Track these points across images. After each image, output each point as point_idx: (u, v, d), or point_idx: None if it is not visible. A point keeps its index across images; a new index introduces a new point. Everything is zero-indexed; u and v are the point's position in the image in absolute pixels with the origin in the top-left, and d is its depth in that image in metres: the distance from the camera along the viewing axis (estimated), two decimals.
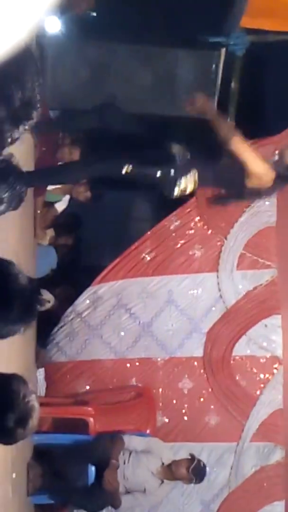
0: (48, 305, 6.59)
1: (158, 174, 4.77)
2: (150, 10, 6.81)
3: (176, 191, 4.75)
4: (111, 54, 7.25)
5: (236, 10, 6.60)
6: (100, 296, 6.58)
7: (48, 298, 6.21)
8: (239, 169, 4.58)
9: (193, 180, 4.73)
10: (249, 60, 7.02)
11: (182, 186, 4.72)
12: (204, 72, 7.03)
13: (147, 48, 7.20)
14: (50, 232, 6.86)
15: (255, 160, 4.60)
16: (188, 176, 4.72)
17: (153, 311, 6.54)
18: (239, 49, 6.89)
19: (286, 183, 4.79)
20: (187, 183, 4.73)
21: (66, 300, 6.86)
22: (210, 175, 4.82)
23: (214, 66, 6.99)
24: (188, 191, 4.81)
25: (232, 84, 7.15)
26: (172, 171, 4.73)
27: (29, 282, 2.08)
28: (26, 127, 1.89)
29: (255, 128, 7.18)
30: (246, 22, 6.62)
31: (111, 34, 7.09)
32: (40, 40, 6.85)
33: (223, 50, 7.00)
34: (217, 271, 6.54)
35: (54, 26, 6.89)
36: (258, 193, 4.77)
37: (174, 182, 4.72)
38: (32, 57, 1.80)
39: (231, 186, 4.81)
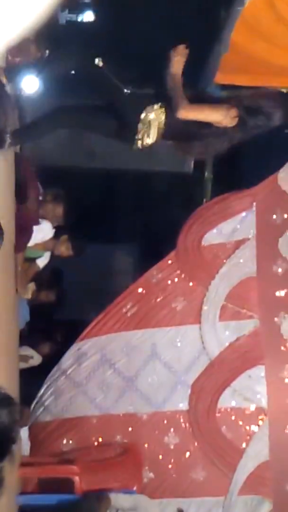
0: (31, 362, 6.58)
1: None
2: (128, 66, 6.90)
3: (139, 144, 5.00)
4: None
5: (210, 66, 6.73)
6: (84, 353, 6.57)
7: (30, 354, 6.19)
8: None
9: (156, 130, 4.95)
10: None
11: (146, 138, 4.96)
12: None
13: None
14: (32, 286, 6.87)
15: (209, 113, 4.84)
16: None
17: (137, 365, 6.53)
18: None
19: (258, 120, 5.01)
20: (149, 135, 4.96)
21: (50, 356, 6.85)
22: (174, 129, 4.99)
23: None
24: (150, 143, 5.00)
25: None
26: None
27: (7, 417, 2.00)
28: None
29: (232, 180, 7.32)
30: (220, 78, 6.72)
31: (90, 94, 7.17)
32: (18, 99, 6.94)
33: None
34: (200, 322, 6.56)
35: (33, 84, 6.97)
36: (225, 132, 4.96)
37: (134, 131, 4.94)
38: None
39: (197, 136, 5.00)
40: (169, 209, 7.65)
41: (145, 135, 4.97)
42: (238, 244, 6.57)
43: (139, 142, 5.01)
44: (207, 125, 4.84)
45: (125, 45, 7.47)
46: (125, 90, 5.05)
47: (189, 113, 4.80)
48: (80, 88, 5.69)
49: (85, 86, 5.63)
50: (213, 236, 6.61)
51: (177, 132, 5.02)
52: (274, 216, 6.55)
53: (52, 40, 7.70)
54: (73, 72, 5.93)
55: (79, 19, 9.06)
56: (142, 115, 4.91)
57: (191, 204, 7.10)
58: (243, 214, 6.60)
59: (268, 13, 6.00)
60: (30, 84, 6.13)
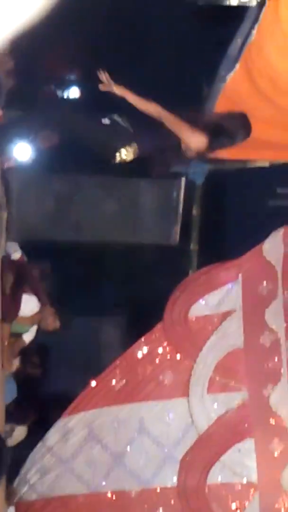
0: (16, 436, 6.50)
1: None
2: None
3: (118, 158, 5.33)
4: (75, 185, 7.41)
5: None
6: (71, 428, 6.49)
7: (18, 433, 6.13)
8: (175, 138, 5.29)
9: (132, 150, 5.31)
10: (209, 188, 7.22)
11: (123, 154, 5.32)
12: (166, 200, 7.20)
13: (110, 179, 7.37)
14: (16, 361, 6.83)
15: (183, 129, 5.31)
16: (129, 147, 5.31)
17: (125, 441, 6.44)
18: (199, 178, 7.08)
19: (223, 140, 5.48)
20: (127, 153, 5.33)
21: (34, 431, 6.78)
22: (149, 145, 5.43)
23: (175, 194, 7.17)
24: (128, 159, 5.34)
25: (194, 211, 7.33)
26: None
27: None
28: None
29: (218, 252, 7.35)
30: None
31: (75, 166, 7.26)
32: (4, 174, 7.00)
33: (183, 179, 7.18)
34: (188, 395, 6.50)
35: (20, 158, 7.05)
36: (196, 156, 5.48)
37: (114, 149, 5.33)
38: None
39: (169, 154, 5.51)
40: (155, 281, 7.66)
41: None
42: (225, 315, 6.56)
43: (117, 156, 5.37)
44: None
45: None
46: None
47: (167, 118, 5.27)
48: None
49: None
50: (200, 308, 6.61)
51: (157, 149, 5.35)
52: (260, 287, 6.56)
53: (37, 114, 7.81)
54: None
55: (65, 94, 9.19)
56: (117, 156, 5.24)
57: (177, 276, 7.12)
58: (229, 285, 6.61)
59: (249, 88, 6.11)
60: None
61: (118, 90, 5.35)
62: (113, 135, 5.46)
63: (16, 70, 6.85)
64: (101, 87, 5.39)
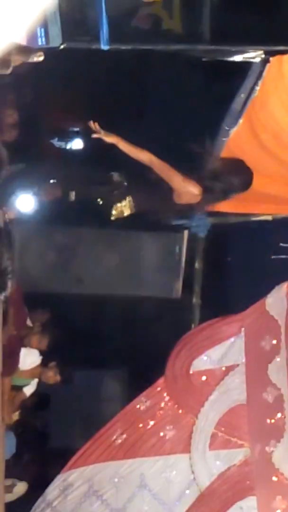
0: (16, 491, 6.40)
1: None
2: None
3: (114, 212, 5.39)
4: (77, 238, 7.42)
5: None
6: (71, 483, 6.38)
7: (18, 489, 6.05)
8: (168, 189, 5.34)
9: (129, 205, 5.37)
10: (212, 241, 7.22)
11: (119, 210, 5.40)
12: (168, 253, 7.20)
13: (111, 232, 7.38)
14: (17, 414, 6.77)
15: (174, 178, 5.38)
16: (124, 201, 5.38)
17: (125, 497, 6.33)
18: (202, 231, 7.08)
19: (217, 194, 5.48)
20: (124, 207, 5.39)
21: (35, 485, 6.69)
22: (145, 200, 5.50)
23: (177, 247, 7.17)
24: (124, 214, 5.40)
25: (196, 264, 7.32)
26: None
27: None
28: (1, 297, 1.89)
29: (220, 306, 7.33)
30: None
31: (78, 219, 7.28)
32: (7, 226, 7.01)
33: (186, 232, 7.19)
34: (190, 451, 6.42)
35: (22, 210, 7.08)
36: (191, 208, 5.52)
37: (111, 205, 5.39)
38: (2, 231, 1.82)
39: (164, 206, 5.50)
40: (157, 335, 7.62)
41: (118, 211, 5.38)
42: (227, 370, 6.50)
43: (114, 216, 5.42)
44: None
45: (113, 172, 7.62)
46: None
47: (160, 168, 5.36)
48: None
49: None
50: (202, 362, 6.55)
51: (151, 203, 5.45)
52: (263, 342, 6.51)
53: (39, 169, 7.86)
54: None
55: (68, 147, 9.26)
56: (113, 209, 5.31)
57: (179, 330, 7.08)
58: (232, 339, 6.57)
59: (252, 143, 6.15)
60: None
61: (109, 138, 5.40)
62: (109, 190, 5.51)
63: (20, 123, 6.91)
64: (93, 136, 5.45)
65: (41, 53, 1.54)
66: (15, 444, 6.78)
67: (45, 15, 1.46)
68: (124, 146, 5.39)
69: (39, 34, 1.50)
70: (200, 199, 5.44)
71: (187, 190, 5.36)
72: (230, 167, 5.59)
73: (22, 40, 1.49)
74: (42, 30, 1.49)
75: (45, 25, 1.47)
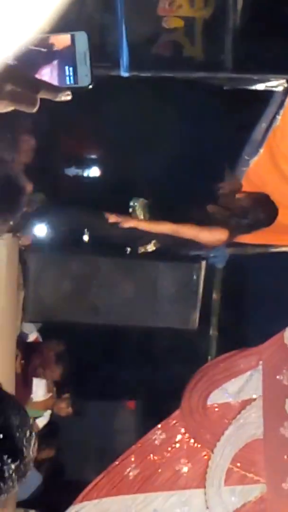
0: None
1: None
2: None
3: (140, 250, 5.62)
4: (93, 267, 7.35)
5: None
6: None
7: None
8: None
9: (154, 245, 5.62)
10: (230, 272, 7.14)
11: (143, 250, 5.65)
12: (186, 284, 7.11)
13: (129, 261, 7.31)
14: None
15: (200, 235, 5.56)
16: (150, 244, 5.62)
17: None
18: (219, 262, 7.01)
19: (243, 229, 5.65)
20: (148, 248, 5.64)
21: None
22: (171, 241, 5.67)
23: (195, 278, 7.07)
24: (149, 250, 5.62)
25: (214, 295, 7.24)
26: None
27: None
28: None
29: (238, 338, 7.24)
30: None
31: (93, 248, 7.23)
32: (22, 254, 6.96)
33: (204, 262, 7.12)
34: (205, 487, 6.30)
35: (39, 236, 7.05)
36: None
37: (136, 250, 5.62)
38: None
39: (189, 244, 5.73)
40: (173, 366, 7.53)
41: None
42: (244, 404, 6.41)
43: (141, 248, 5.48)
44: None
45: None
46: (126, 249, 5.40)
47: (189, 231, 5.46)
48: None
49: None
50: (219, 396, 6.46)
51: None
52: (281, 376, 6.42)
53: (58, 195, 7.83)
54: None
55: (85, 174, 9.24)
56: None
57: (195, 362, 7.00)
58: (249, 373, 6.48)
59: (272, 173, 6.10)
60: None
61: (128, 223, 5.43)
62: (135, 238, 5.53)
63: (37, 149, 6.88)
64: (111, 220, 5.49)
65: (69, 92, 1.51)
66: (41, 479, 6.70)
67: (75, 54, 1.43)
68: (144, 226, 5.43)
69: (67, 73, 1.47)
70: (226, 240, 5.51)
71: (216, 239, 5.39)
72: (256, 202, 5.58)
73: (49, 79, 1.45)
74: (71, 69, 1.45)
75: (74, 64, 1.43)
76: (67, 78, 1.58)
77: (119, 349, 8.22)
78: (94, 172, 9.16)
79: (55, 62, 1.55)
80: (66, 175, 8.63)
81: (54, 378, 6.61)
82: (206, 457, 6.38)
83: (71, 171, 8.80)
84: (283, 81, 4.75)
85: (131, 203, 5.48)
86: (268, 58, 4.56)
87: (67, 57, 1.56)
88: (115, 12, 4.14)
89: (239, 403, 6.44)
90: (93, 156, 9.09)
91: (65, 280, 7.34)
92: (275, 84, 4.80)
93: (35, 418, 6.59)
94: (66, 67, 1.58)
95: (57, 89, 1.56)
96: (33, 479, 6.69)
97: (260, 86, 4.83)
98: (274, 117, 5.26)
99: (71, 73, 1.58)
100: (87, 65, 1.58)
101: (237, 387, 6.47)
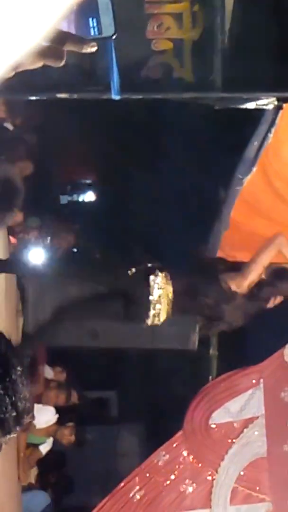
0: None
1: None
2: (129, 249, 7.00)
3: (150, 320, 5.13)
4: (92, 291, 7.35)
5: (211, 244, 6.79)
6: None
7: None
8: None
9: (166, 304, 5.09)
10: None
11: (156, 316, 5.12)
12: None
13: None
14: (34, 471, 6.64)
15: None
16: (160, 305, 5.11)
17: None
18: None
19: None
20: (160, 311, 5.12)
21: None
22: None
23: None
24: (161, 319, 5.17)
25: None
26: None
27: None
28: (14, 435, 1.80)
29: (238, 357, 7.23)
30: (221, 255, 6.77)
31: (91, 269, 7.22)
32: (20, 280, 6.97)
33: None
34: (210, 507, 6.27)
35: (37, 260, 7.06)
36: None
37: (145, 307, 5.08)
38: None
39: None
40: (174, 387, 7.52)
41: (156, 311, 5.12)
42: (247, 423, 6.38)
43: (150, 319, 5.18)
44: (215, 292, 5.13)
45: (127, 223, 7.59)
46: (130, 271, 5.20)
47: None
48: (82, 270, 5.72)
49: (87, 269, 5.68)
50: (221, 415, 6.43)
51: (187, 303, 5.22)
52: (283, 394, 6.40)
53: (53, 220, 7.85)
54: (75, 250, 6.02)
55: (80, 199, 9.27)
56: (150, 289, 5.06)
57: (196, 382, 6.99)
58: (251, 391, 6.46)
59: (266, 192, 6.11)
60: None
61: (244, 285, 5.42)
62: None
63: (35, 175, 6.92)
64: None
65: (94, 43, 1.50)
66: (46, 497, 6.66)
67: (98, 5, 1.44)
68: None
69: (91, 25, 1.48)
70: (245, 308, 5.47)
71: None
72: (277, 274, 5.62)
73: (72, 30, 1.47)
74: (94, 20, 1.46)
75: (97, 15, 1.44)
76: (91, 29, 1.60)
77: (119, 372, 8.22)
78: (89, 197, 9.19)
79: (78, 15, 1.56)
80: (60, 201, 8.67)
81: (59, 403, 6.59)
82: (210, 477, 6.34)
83: (62, 199, 8.85)
84: (273, 99, 4.77)
85: (152, 281, 5.27)
86: (257, 77, 4.59)
87: (89, 8, 1.57)
88: None
89: (241, 422, 6.42)
90: (87, 181, 9.13)
91: (64, 303, 7.34)
92: (266, 102, 4.81)
93: (38, 444, 6.57)
94: (90, 19, 1.59)
95: (82, 41, 1.57)
96: (41, 499, 6.66)
97: (250, 105, 4.84)
98: (266, 135, 5.27)
99: (95, 24, 1.59)
100: (110, 14, 1.59)
101: (239, 406, 6.44)
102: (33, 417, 6.28)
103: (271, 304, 5.55)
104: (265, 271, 5.50)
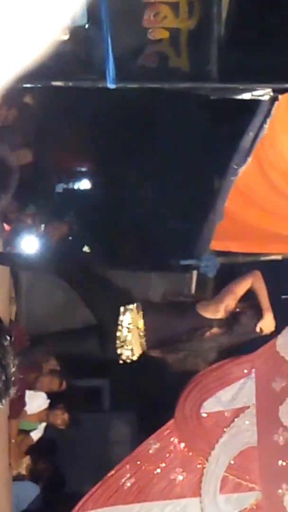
0: None
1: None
2: (123, 237, 7.01)
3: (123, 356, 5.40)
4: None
5: (205, 234, 6.80)
6: None
7: None
8: None
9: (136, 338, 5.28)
10: (221, 281, 7.16)
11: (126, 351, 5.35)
12: (177, 293, 7.13)
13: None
14: (26, 460, 6.66)
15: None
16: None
17: None
18: (210, 271, 7.03)
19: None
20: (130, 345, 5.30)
21: None
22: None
23: (186, 288, 7.10)
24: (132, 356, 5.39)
25: None
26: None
27: None
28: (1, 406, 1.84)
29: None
30: (216, 245, 6.79)
31: (85, 258, 7.24)
32: (14, 266, 6.97)
33: (195, 272, 7.14)
34: (200, 495, 6.29)
35: (30, 248, 7.06)
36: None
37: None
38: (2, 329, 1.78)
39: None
40: (166, 377, 7.53)
41: (126, 346, 5.22)
42: (238, 412, 6.40)
43: (122, 355, 5.28)
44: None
45: (121, 212, 7.60)
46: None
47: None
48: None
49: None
50: (212, 404, 6.45)
51: (162, 338, 5.30)
52: (274, 384, 6.42)
53: (48, 209, 7.86)
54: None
55: (75, 187, 9.26)
56: (120, 318, 5.14)
57: (188, 371, 7.00)
58: (242, 381, 6.48)
59: (261, 182, 6.13)
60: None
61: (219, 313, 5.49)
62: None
63: (34, 163, 6.91)
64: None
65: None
66: (36, 488, 6.68)
67: None
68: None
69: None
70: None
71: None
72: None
73: None
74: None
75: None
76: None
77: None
78: (84, 185, 9.19)
79: None
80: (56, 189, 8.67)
81: (53, 388, 6.61)
82: (200, 465, 6.37)
83: (57, 187, 8.84)
84: (269, 90, 4.78)
85: (122, 312, 5.30)
86: (253, 68, 4.59)
87: None
88: (101, 24, 4.17)
89: (232, 411, 6.44)
90: (83, 169, 9.13)
91: (57, 292, 7.36)
92: (261, 93, 4.83)
93: (29, 431, 6.59)
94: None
95: None
96: (31, 490, 6.68)
97: (246, 96, 4.85)
98: (261, 126, 5.27)
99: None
100: (82, 5, 1.62)
101: (230, 395, 6.46)
102: (24, 403, 6.30)
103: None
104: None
